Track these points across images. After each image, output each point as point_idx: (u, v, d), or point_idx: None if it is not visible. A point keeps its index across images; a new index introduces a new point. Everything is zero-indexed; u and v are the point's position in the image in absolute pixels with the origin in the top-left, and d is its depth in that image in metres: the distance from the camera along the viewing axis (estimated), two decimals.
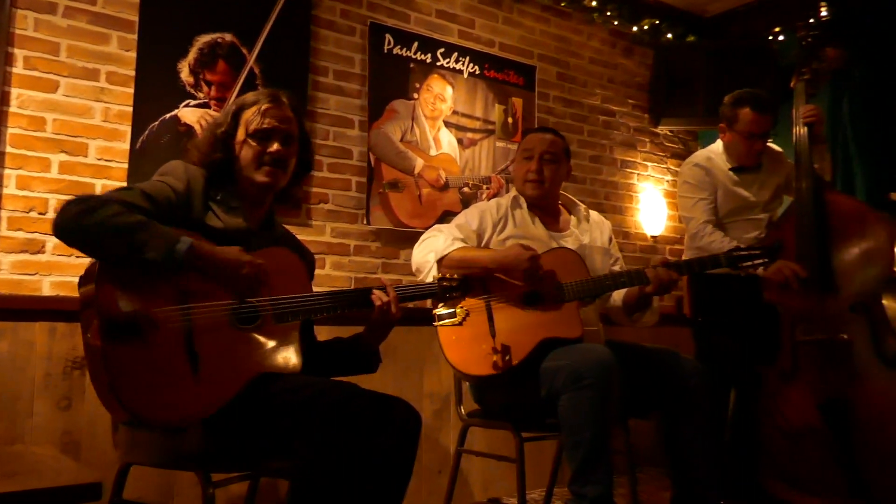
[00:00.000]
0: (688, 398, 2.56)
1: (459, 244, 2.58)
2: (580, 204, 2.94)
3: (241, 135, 2.03)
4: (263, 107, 2.03)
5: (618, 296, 2.75)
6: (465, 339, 2.53)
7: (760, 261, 2.51)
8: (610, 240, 2.92)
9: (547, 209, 2.84)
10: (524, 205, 2.80)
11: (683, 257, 3.47)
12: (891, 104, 4.06)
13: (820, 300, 2.92)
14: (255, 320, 1.91)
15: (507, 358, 2.47)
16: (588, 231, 2.85)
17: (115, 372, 1.68)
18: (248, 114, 2.03)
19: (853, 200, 3.10)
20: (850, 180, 4.08)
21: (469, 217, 2.76)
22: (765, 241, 3.11)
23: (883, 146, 4.02)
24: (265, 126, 2.02)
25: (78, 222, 1.72)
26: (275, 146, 2.02)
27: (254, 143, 2.02)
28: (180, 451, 1.82)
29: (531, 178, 2.76)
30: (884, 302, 2.82)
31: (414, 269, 2.68)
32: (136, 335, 1.73)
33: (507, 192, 3.88)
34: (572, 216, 2.89)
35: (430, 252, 2.58)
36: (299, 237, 2.32)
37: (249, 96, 2.09)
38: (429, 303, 3.46)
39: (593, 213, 2.95)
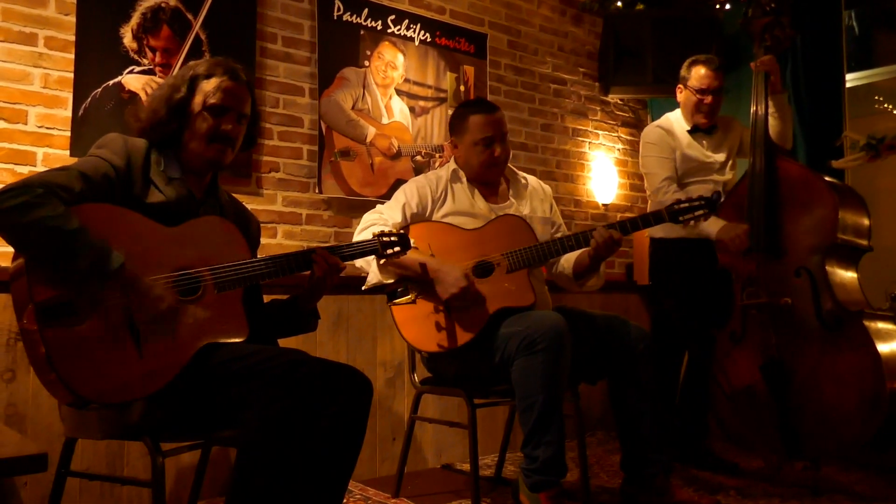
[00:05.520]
0: (634, 364, 2.61)
1: None
2: (518, 172, 2.92)
3: (197, 105, 1.99)
4: (224, 83, 2.00)
5: (567, 263, 2.77)
6: (420, 317, 2.53)
7: (701, 212, 2.50)
8: (551, 206, 2.91)
9: (487, 181, 2.81)
10: (464, 178, 2.77)
11: None
12: (832, 73, 4.14)
13: (768, 265, 3.00)
14: (196, 291, 1.89)
15: (463, 332, 2.49)
16: (527, 200, 2.84)
17: (55, 355, 1.65)
18: (207, 85, 2.00)
19: (802, 167, 3.16)
20: (793, 148, 4.16)
21: (408, 195, 2.71)
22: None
23: (824, 114, 4.11)
24: (224, 103, 2.00)
25: (15, 217, 1.66)
26: (229, 124, 2.01)
27: (208, 117, 1.99)
28: (127, 422, 1.80)
29: (500, 162, 2.72)
30: (827, 268, 2.90)
31: None
32: (74, 315, 1.69)
33: None
34: (510, 186, 2.87)
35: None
36: (250, 206, 2.30)
37: (203, 65, 2.04)
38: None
39: (531, 179, 2.93)
